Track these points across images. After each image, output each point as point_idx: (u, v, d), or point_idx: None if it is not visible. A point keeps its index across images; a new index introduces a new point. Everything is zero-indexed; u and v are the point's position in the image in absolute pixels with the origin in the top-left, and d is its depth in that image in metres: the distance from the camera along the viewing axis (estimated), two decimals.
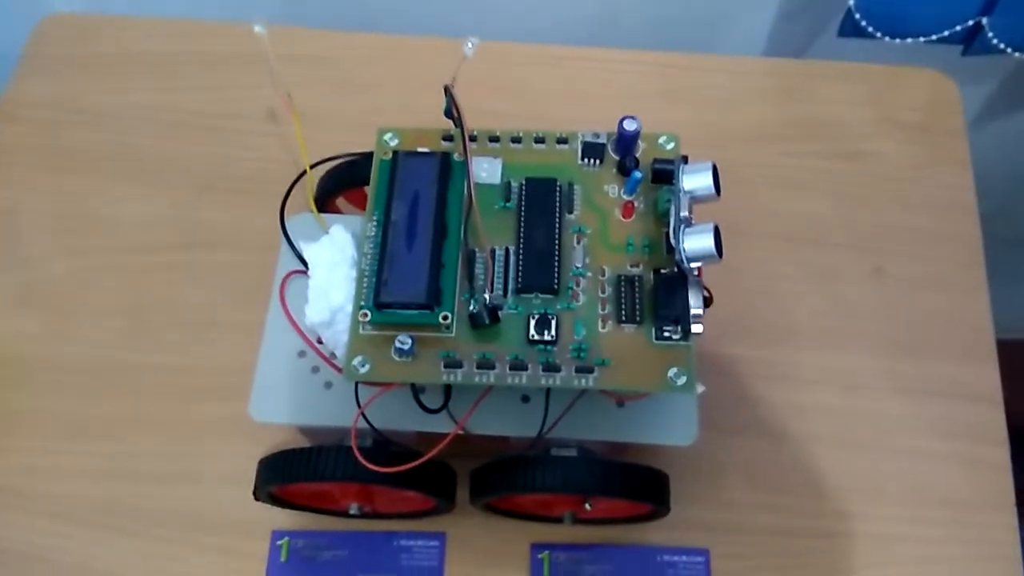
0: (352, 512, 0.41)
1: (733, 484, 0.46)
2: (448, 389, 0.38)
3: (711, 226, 0.33)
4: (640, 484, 0.38)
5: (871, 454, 0.47)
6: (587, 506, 0.40)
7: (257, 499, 0.41)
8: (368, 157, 0.41)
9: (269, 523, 0.45)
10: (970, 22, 0.54)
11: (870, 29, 0.54)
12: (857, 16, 0.54)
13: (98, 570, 0.45)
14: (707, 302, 0.37)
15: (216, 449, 0.47)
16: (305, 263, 0.40)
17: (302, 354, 0.40)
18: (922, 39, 0.55)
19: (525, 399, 0.39)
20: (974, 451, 0.47)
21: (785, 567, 0.45)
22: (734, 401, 0.48)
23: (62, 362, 0.49)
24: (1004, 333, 0.52)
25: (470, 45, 0.36)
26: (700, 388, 0.40)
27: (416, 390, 0.37)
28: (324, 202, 0.44)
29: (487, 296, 0.36)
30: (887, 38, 0.55)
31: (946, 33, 0.55)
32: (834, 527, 0.45)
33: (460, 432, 0.37)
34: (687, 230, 0.33)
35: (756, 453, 0.47)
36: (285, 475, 0.38)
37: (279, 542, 0.45)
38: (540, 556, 0.45)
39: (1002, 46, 0.54)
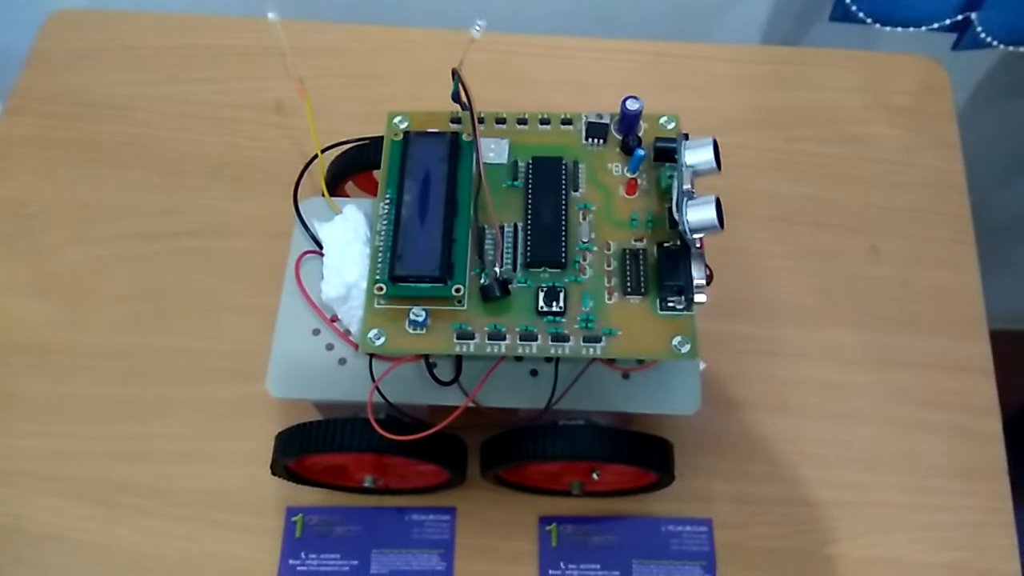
0: (366, 484, 0.42)
1: (734, 456, 0.47)
2: (459, 362, 0.39)
3: (713, 197, 0.34)
4: (646, 451, 0.39)
5: (867, 425, 0.48)
6: (595, 475, 0.41)
7: (274, 473, 0.42)
8: (377, 142, 0.43)
9: (284, 500, 0.46)
10: (959, 16, 0.55)
11: (860, 15, 0.56)
12: (848, 2, 0.55)
13: (119, 549, 0.46)
14: (708, 280, 0.38)
15: (231, 429, 0.48)
16: (319, 244, 0.41)
17: (316, 332, 0.41)
18: (912, 29, 0.57)
19: (534, 373, 0.40)
20: (967, 421, 0.48)
21: (785, 535, 0.46)
22: (735, 376, 0.49)
23: (80, 348, 0.50)
24: (995, 323, 0.53)
25: (477, 28, 0.37)
26: (702, 364, 0.41)
27: (430, 363, 0.39)
28: (334, 186, 0.46)
29: (497, 270, 0.37)
30: (877, 24, 0.56)
31: (935, 25, 0.56)
32: (832, 496, 0.47)
33: (472, 404, 0.39)
34: (690, 202, 0.35)
35: (756, 426, 0.48)
36: (303, 447, 0.39)
37: (293, 518, 0.46)
38: (548, 528, 0.46)
39: (991, 40, 0.55)
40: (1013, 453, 0.48)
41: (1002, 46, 0.56)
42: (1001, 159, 0.77)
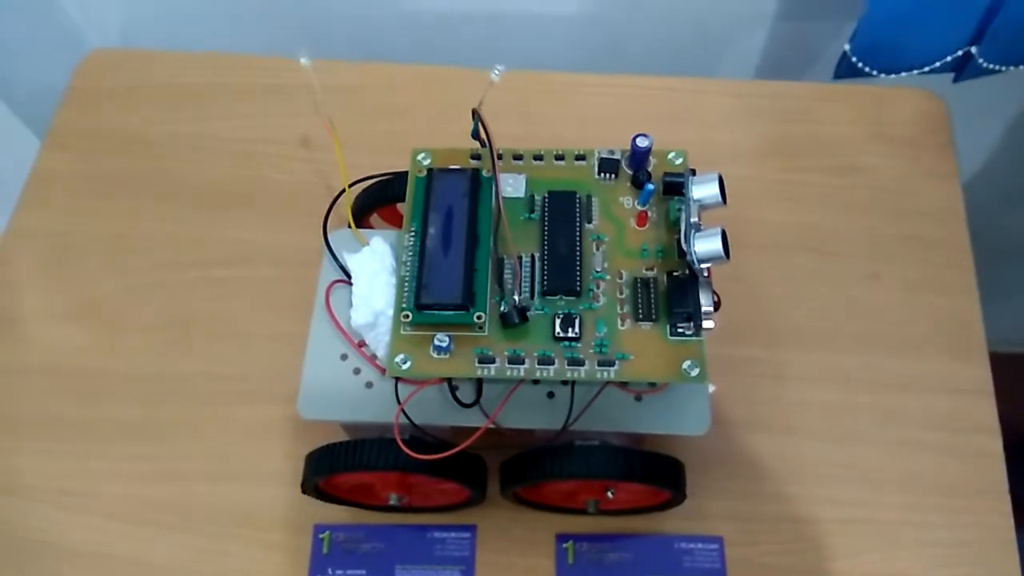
0: (391, 502, 0.44)
1: (744, 476, 0.49)
2: (480, 385, 0.41)
3: (719, 230, 0.37)
4: (658, 470, 0.41)
5: (871, 445, 0.50)
6: (609, 494, 0.43)
7: (304, 492, 0.44)
8: (401, 176, 0.45)
9: (311, 518, 0.48)
10: (960, 52, 0.57)
11: (866, 69, 0.58)
12: (853, 59, 0.57)
13: (151, 564, 0.48)
14: (715, 306, 0.40)
15: (261, 450, 0.50)
16: (347, 273, 0.43)
17: (344, 357, 0.43)
18: (915, 71, 0.59)
19: (551, 395, 0.42)
20: (968, 441, 0.50)
21: (793, 552, 0.48)
22: (743, 399, 0.51)
23: (114, 372, 0.53)
24: (999, 347, 0.55)
25: (497, 72, 0.40)
26: (711, 387, 0.43)
27: (452, 386, 0.41)
28: (359, 218, 0.48)
29: (516, 298, 0.39)
30: (883, 75, 0.59)
31: (937, 64, 0.58)
32: (838, 514, 0.48)
33: (492, 425, 0.41)
34: (697, 234, 0.37)
35: (764, 447, 0.50)
36: (332, 466, 0.41)
37: (321, 535, 0.48)
38: (565, 545, 0.48)
39: (993, 67, 0.57)
40: (1017, 476, 0.49)
41: (1006, 68, 0.58)
42: (1004, 183, 0.79)
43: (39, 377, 0.53)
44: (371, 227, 0.50)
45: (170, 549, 0.48)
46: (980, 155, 0.76)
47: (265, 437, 0.50)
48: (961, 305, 0.54)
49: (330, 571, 0.47)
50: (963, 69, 0.58)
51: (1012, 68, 0.57)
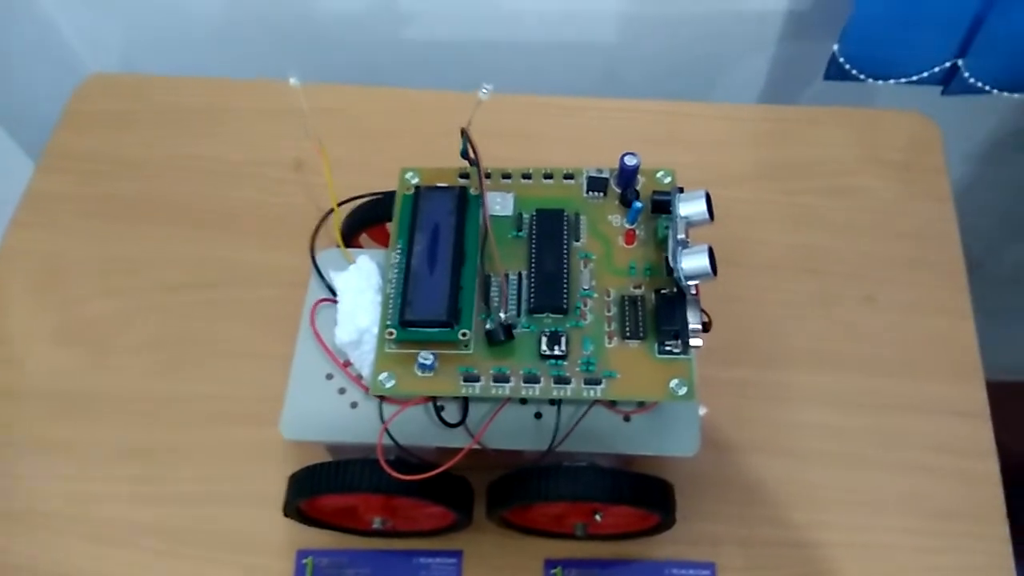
0: (375, 526, 0.43)
1: (736, 500, 0.48)
2: (466, 406, 0.41)
3: (706, 247, 0.36)
4: (646, 491, 0.40)
5: (867, 469, 0.49)
6: (597, 517, 0.42)
7: (286, 515, 0.43)
8: (389, 196, 0.45)
9: (295, 543, 0.48)
10: (947, 63, 0.58)
11: (853, 72, 0.58)
12: (841, 60, 0.58)
13: None
14: (706, 327, 0.40)
15: (247, 472, 0.49)
16: (333, 292, 0.43)
17: (330, 376, 0.43)
18: (903, 80, 0.60)
19: (538, 416, 0.42)
20: (965, 464, 0.49)
21: None
22: (736, 421, 0.50)
23: (103, 393, 0.52)
24: (997, 375, 0.54)
25: (484, 91, 0.40)
26: (703, 409, 0.43)
27: (437, 406, 0.40)
28: (349, 238, 0.48)
29: (502, 315, 0.39)
30: (870, 80, 0.59)
31: (925, 74, 0.59)
32: (833, 538, 0.47)
33: (477, 445, 0.40)
34: (684, 251, 0.37)
35: (758, 470, 0.49)
36: (314, 487, 0.41)
37: (304, 560, 0.47)
38: (553, 571, 0.47)
39: (979, 84, 0.58)
40: (1017, 505, 0.48)
41: (991, 90, 0.58)
42: (1006, 210, 0.79)
43: (27, 398, 0.52)
44: (361, 247, 0.50)
45: (153, 573, 0.47)
46: (983, 180, 0.76)
47: (252, 459, 0.50)
48: (957, 327, 0.53)
49: None
50: (950, 82, 0.58)
51: (997, 92, 0.57)
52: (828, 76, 0.60)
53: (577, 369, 0.38)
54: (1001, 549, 0.46)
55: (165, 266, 0.56)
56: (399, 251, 0.40)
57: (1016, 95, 0.59)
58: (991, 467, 0.49)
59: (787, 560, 0.47)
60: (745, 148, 0.61)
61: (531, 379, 0.38)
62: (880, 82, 0.59)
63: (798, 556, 0.47)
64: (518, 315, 0.39)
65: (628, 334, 0.39)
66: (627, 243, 0.41)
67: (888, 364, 0.52)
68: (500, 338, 0.38)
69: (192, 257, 0.57)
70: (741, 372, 0.52)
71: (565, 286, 0.39)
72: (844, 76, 0.59)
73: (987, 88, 0.58)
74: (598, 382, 0.38)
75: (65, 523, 0.48)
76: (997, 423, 0.50)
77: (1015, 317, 0.85)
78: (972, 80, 0.57)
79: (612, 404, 0.41)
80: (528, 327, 0.39)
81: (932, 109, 0.61)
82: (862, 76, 0.59)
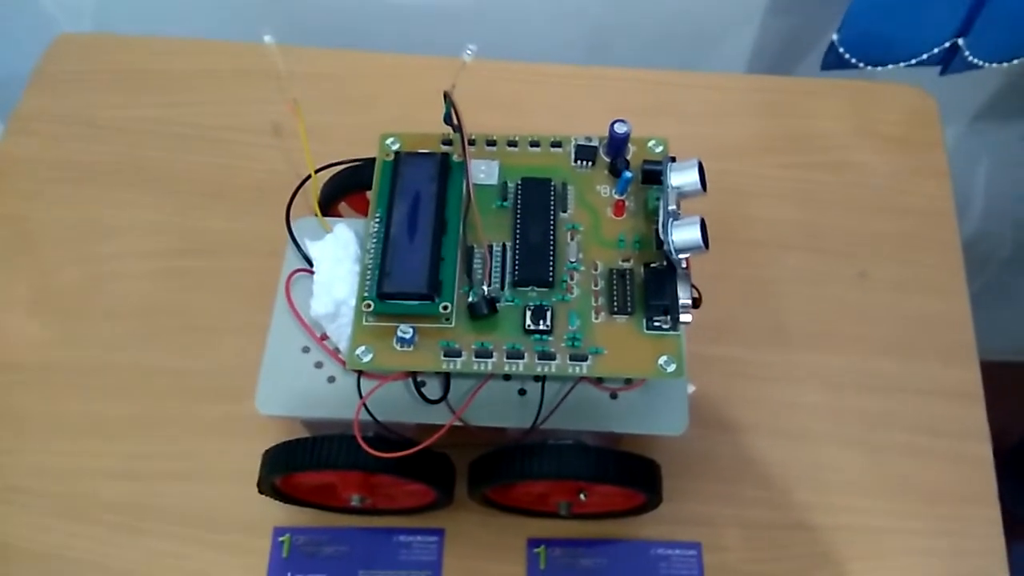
0: (354, 504, 0.42)
1: (724, 480, 0.47)
2: (447, 381, 0.39)
3: (698, 219, 0.35)
4: (632, 471, 0.39)
5: (858, 450, 0.48)
6: (582, 496, 0.41)
7: (261, 492, 0.42)
8: (370, 163, 0.43)
9: (271, 520, 0.46)
10: (947, 43, 0.56)
11: (853, 60, 0.57)
12: (841, 50, 0.56)
13: (107, 567, 0.45)
14: (696, 303, 0.39)
15: (221, 448, 0.48)
16: (310, 261, 0.41)
17: (306, 350, 0.41)
18: (902, 64, 0.58)
19: (522, 392, 0.40)
20: (957, 447, 0.48)
21: (774, 559, 0.46)
22: (725, 400, 0.49)
23: (74, 365, 0.50)
24: (990, 355, 0.53)
25: (469, 52, 0.38)
26: (691, 388, 0.42)
27: (417, 381, 0.39)
28: (327, 207, 0.46)
29: (485, 288, 0.37)
30: (869, 67, 0.57)
31: (924, 56, 0.57)
32: (822, 520, 0.46)
33: (459, 422, 0.39)
34: (675, 223, 0.35)
35: (747, 449, 0.48)
36: (289, 464, 0.39)
37: (280, 538, 0.46)
38: (536, 550, 0.46)
39: (979, 62, 0.56)
40: (1008, 488, 0.47)
41: (990, 64, 0.57)
42: (1005, 190, 0.78)
43: None
44: (340, 215, 0.48)
45: (125, 551, 0.46)
46: (981, 160, 0.74)
47: (227, 434, 0.48)
48: (952, 307, 0.52)
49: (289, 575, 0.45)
50: (950, 62, 0.56)
51: (995, 64, 0.56)
52: (825, 66, 0.57)
53: (562, 345, 0.37)
54: (993, 531, 0.46)
55: (138, 233, 0.55)
56: (378, 220, 0.39)
57: (1013, 62, 0.57)
58: (983, 450, 0.48)
59: (775, 541, 0.46)
60: (737, 120, 0.60)
61: (515, 355, 0.36)
62: (879, 68, 0.58)
63: (786, 537, 0.46)
64: (502, 288, 0.38)
65: (616, 309, 0.37)
66: (616, 214, 0.40)
67: (881, 343, 0.51)
68: (483, 312, 0.36)
69: (166, 224, 0.55)
70: (731, 350, 0.51)
71: (551, 258, 0.38)
72: (843, 65, 0.57)
73: (985, 64, 0.56)
74: (584, 358, 0.36)
75: (34, 498, 0.47)
76: (990, 405, 0.49)
77: (1011, 297, 0.85)
78: (972, 58, 0.56)
79: (598, 381, 0.40)
80: (512, 301, 0.37)
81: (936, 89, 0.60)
82: (861, 64, 0.57)
